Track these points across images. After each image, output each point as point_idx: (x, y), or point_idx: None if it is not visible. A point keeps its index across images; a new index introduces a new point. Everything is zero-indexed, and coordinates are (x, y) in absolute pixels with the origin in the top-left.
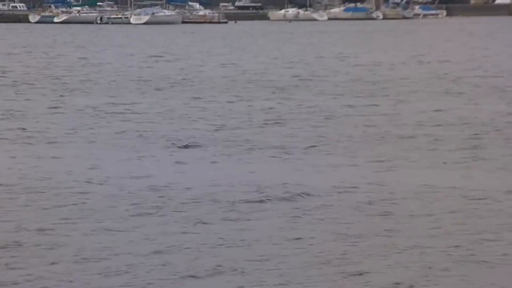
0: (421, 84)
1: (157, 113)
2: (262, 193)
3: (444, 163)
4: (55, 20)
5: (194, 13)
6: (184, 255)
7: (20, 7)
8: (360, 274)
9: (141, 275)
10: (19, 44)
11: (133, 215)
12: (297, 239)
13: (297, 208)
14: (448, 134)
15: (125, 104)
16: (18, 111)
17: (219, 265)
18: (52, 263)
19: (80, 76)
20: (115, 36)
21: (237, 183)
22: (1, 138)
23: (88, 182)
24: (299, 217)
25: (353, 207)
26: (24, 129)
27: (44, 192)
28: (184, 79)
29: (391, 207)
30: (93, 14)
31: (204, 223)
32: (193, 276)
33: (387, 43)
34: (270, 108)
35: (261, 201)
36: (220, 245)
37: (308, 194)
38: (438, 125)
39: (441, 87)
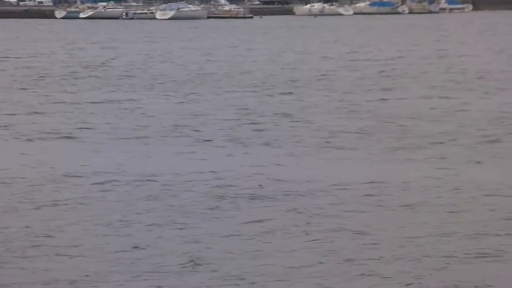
0: (440, 79)
1: (173, 108)
2: (268, 188)
3: (457, 158)
4: (81, 15)
5: (219, 8)
6: (185, 248)
7: (46, 3)
8: (359, 264)
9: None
10: (47, 39)
11: (146, 210)
12: (304, 234)
13: (304, 203)
14: (463, 130)
15: (140, 100)
16: (37, 105)
17: (219, 257)
18: (58, 254)
19: (105, 72)
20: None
21: (246, 178)
22: (23, 135)
23: (92, 176)
24: (303, 212)
25: (361, 202)
26: (43, 124)
27: (62, 187)
28: (191, 75)
29: (398, 201)
30: (119, 10)
31: (206, 216)
32: (192, 270)
33: (411, 37)
34: (286, 103)
35: (266, 196)
36: (221, 238)
37: (319, 190)
38: (454, 120)
39: (460, 82)
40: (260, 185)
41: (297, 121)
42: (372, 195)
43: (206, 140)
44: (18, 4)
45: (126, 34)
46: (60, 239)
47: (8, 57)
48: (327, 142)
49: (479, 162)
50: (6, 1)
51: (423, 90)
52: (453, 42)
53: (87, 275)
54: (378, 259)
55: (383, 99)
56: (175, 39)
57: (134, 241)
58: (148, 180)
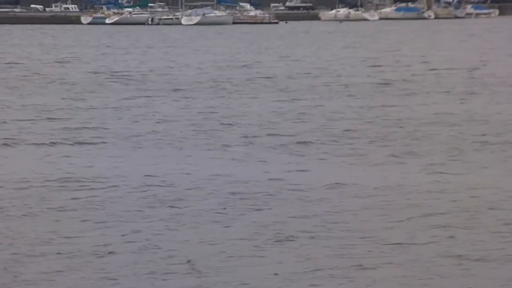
0: (462, 84)
1: (192, 113)
2: (281, 193)
3: (475, 162)
4: (107, 21)
5: (244, 13)
6: (191, 253)
7: (72, 9)
8: (363, 268)
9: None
10: (71, 45)
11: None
12: (314, 239)
13: (317, 209)
14: (482, 135)
15: (160, 105)
16: (57, 111)
17: (226, 263)
18: (70, 257)
19: (127, 77)
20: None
21: (261, 183)
22: (41, 140)
23: (106, 180)
24: (315, 218)
25: (377, 207)
26: (61, 129)
27: (78, 191)
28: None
29: (417, 206)
30: (145, 15)
31: (216, 221)
32: (196, 276)
33: (435, 43)
34: (305, 109)
35: (279, 202)
36: (229, 243)
37: (334, 195)
38: (473, 125)
39: (481, 87)
40: (268, 193)
41: (315, 126)
42: (388, 200)
43: (223, 145)
44: (44, 10)
45: (151, 39)
46: (73, 243)
47: (30, 62)
48: (345, 147)
49: (498, 167)
50: (32, 7)
51: (443, 95)
52: (477, 47)
53: (98, 277)
54: (392, 265)
55: (403, 105)
56: (200, 44)
57: (142, 245)
58: (162, 185)
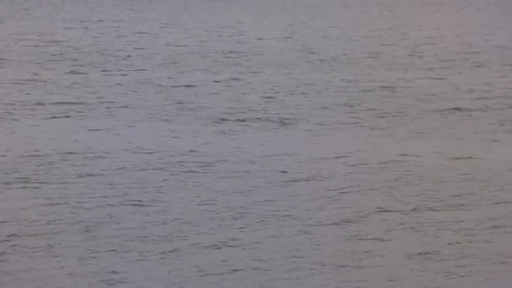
0: (460, 57)
1: (204, 88)
2: (289, 170)
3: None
4: None
5: None
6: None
7: None
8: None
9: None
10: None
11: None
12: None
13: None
14: (481, 110)
15: (171, 78)
16: (66, 87)
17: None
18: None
19: (142, 51)
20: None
21: (272, 159)
22: (51, 113)
23: (112, 154)
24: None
25: (378, 182)
26: (74, 103)
27: (93, 163)
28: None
29: (424, 176)
30: None
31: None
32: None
33: (454, 14)
34: (310, 81)
35: (288, 177)
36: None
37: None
38: (471, 100)
39: (486, 60)
40: (282, 171)
41: (324, 101)
42: (396, 174)
43: (237, 120)
44: None
45: (154, 11)
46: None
47: (44, 36)
48: (351, 120)
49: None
50: None
51: (447, 70)
52: (493, 20)
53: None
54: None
55: (401, 78)
56: (204, 17)
57: (137, 206)
58: (162, 161)
